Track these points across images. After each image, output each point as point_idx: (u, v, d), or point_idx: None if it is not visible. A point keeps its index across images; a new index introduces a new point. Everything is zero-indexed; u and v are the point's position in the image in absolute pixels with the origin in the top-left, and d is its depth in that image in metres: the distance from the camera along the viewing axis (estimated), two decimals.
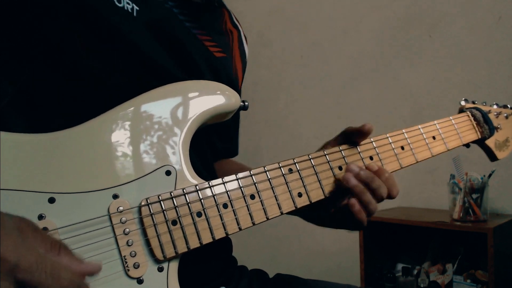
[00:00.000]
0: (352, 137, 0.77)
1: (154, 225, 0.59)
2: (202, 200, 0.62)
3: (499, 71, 1.95)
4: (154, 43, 0.69)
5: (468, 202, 1.77)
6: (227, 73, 0.83)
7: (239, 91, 0.90)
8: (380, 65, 2.29)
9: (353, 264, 2.18)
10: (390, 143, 0.81)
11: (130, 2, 0.68)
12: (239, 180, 0.66)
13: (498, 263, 1.62)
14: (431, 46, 2.14)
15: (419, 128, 0.86)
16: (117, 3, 0.66)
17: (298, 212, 0.81)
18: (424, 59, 2.16)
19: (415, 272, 2.02)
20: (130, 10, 0.67)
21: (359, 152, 0.77)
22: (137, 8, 0.68)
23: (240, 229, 0.64)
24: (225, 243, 0.83)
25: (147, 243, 0.58)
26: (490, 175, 1.81)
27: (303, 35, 2.57)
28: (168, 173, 0.62)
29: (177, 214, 0.60)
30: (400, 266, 2.06)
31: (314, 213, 0.80)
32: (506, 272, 1.70)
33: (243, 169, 0.82)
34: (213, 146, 0.82)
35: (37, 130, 0.57)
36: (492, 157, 1.00)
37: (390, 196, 0.75)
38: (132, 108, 0.63)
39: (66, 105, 0.64)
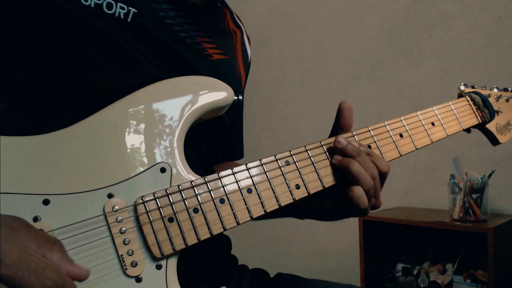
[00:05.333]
0: (339, 123, 0.76)
1: (150, 222, 0.58)
2: (198, 196, 0.62)
3: (499, 71, 1.95)
4: (145, 48, 0.69)
5: (468, 202, 1.77)
6: (228, 74, 0.82)
7: (241, 92, 0.90)
8: (380, 65, 2.29)
9: (353, 264, 2.18)
10: (388, 131, 0.80)
11: (125, 7, 0.67)
12: (235, 174, 0.65)
13: (498, 263, 1.62)
14: (431, 46, 2.13)
15: (418, 115, 0.84)
16: (106, 10, 0.66)
17: (298, 210, 0.80)
18: (424, 59, 2.16)
19: (415, 272, 2.02)
20: (122, 16, 0.67)
21: (356, 141, 0.76)
22: (135, 11, 0.68)
23: (238, 223, 0.63)
24: (223, 241, 0.82)
25: (144, 241, 0.58)
26: (490, 175, 1.81)
27: (303, 35, 2.57)
28: (163, 170, 0.62)
29: (173, 211, 0.60)
30: (400, 266, 2.06)
31: (316, 206, 0.79)
32: (506, 272, 1.69)
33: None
34: (211, 145, 0.82)
35: (32, 133, 0.57)
36: (494, 141, 0.98)
37: (382, 173, 0.73)
38: (124, 107, 0.63)
39: (60, 107, 0.64)
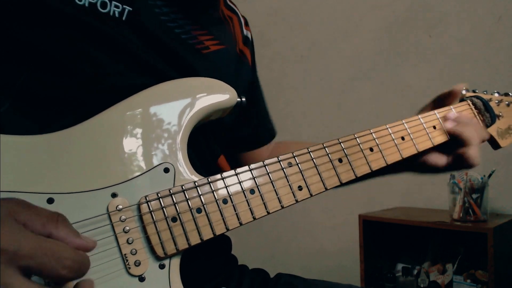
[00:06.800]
0: (444, 100, 0.92)
1: (154, 222, 0.58)
2: (201, 196, 0.62)
3: (499, 71, 1.95)
4: (142, 46, 0.69)
5: (468, 202, 1.77)
6: (227, 64, 0.82)
7: (255, 78, 0.94)
8: (380, 65, 2.29)
9: (353, 264, 2.18)
10: (390, 134, 0.80)
11: (119, 5, 0.67)
12: (238, 175, 0.65)
13: (498, 263, 1.62)
14: (431, 46, 2.14)
15: (419, 118, 0.85)
16: (100, 9, 0.65)
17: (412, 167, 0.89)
18: (424, 59, 2.16)
19: (415, 272, 2.02)
20: (117, 15, 0.67)
21: (358, 144, 0.77)
22: (130, 9, 0.68)
23: (240, 224, 0.64)
24: (224, 241, 0.83)
25: (148, 240, 0.58)
26: (490, 175, 1.81)
27: (303, 35, 2.57)
28: (166, 170, 0.62)
29: (177, 211, 0.60)
30: (400, 266, 2.06)
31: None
32: (506, 272, 1.70)
33: (297, 144, 0.90)
34: (210, 143, 0.82)
35: (35, 133, 0.57)
36: (495, 145, 0.99)
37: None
38: (128, 108, 0.63)
39: (63, 107, 0.64)
